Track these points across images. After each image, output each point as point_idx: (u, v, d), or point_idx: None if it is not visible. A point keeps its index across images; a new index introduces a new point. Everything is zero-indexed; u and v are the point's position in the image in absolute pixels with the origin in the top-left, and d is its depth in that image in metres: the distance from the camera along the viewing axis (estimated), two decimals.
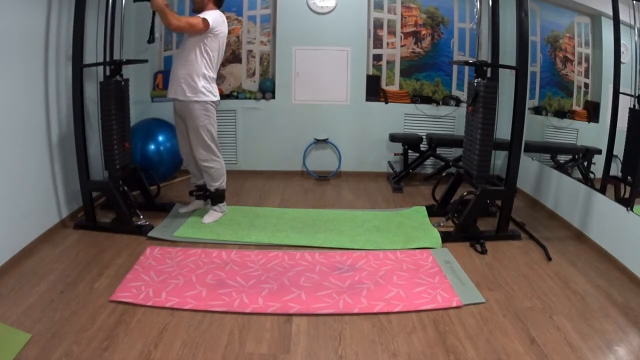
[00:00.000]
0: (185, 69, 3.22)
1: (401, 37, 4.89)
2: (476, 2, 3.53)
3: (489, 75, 3.36)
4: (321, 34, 4.74)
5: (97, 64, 3.34)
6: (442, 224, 3.50)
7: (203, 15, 3.14)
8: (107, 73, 3.36)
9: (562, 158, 4.01)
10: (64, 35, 3.30)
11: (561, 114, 3.95)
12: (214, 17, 3.16)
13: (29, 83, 2.97)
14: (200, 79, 3.21)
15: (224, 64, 4.92)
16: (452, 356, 2.04)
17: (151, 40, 3.32)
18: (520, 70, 3.08)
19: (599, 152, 3.32)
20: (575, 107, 3.77)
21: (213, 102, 3.30)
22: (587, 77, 3.62)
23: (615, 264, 2.91)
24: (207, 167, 3.38)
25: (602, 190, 3.18)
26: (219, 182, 3.46)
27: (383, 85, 4.95)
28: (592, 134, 3.59)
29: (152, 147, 4.19)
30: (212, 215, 3.50)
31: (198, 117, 3.25)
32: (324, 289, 2.57)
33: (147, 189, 3.72)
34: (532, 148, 4.23)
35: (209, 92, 3.26)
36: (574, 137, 3.89)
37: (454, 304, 2.43)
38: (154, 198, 3.78)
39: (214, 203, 3.52)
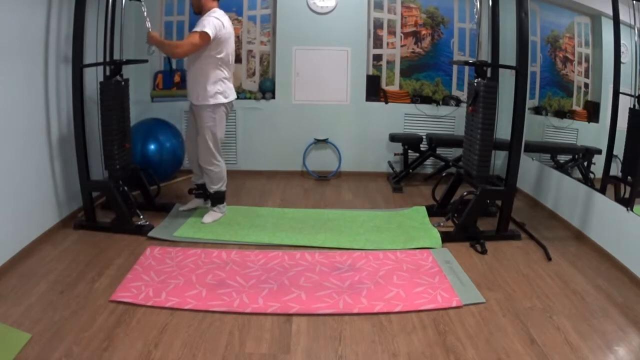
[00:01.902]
0: (195, 75, 3.26)
1: (401, 37, 4.89)
2: (476, 2, 3.53)
3: (489, 75, 3.36)
4: (321, 34, 4.74)
5: (97, 64, 3.34)
6: (442, 224, 3.50)
7: (200, 27, 3.07)
8: (107, 73, 3.36)
9: (562, 158, 4.01)
10: (64, 35, 3.30)
11: (561, 114, 3.95)
12: (213, 24, 3.10)
13: (29, 83, 2.97)
14: (210, 84, 3.22)
15: None
16: (452, 356, 2.04)
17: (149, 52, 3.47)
18: (520, 70, 3.08)
19: (599, 152, 3.32)
20: (575, 107, 3.77)
21: (223, 104, 3.30)
22: (587, 77, 3.62)
23: (615, 264, 2.91)
24: (207, 169, 3.39)
25: (602, 190, 3.18)
26: (219, 185, 3.46)
27: (383, 85, 4.95)
28: (592, 134, 3.59)
29: (152, 147, 4.19)
30: (212, 216, 3.51)
31: (204, 118, 3.27)
32: (324, 289, 2.57)
33: (147, 189, 3.72)
34: (532, 148, 4.23)
35: (220, 94, 3.26)
36: (574, 137, 3.89)
37: (454, 304, 2.43)
38: (154, 198, 3.78)
39: (214, 204, 3.52)
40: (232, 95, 3.37)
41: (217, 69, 3.22)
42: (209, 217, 3.49)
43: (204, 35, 3.06)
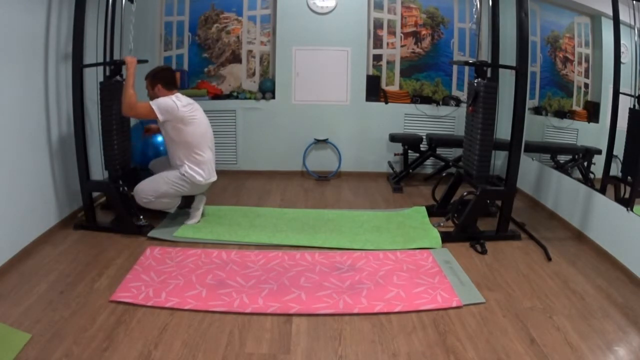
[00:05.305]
0: (169, 154, 3.34)
1: (401, 37, 4.89)
2: (476, 2, 3.53)
3: (489, 75, 3.36)
4: (321, 34, 4.75)
5: (97, 64, 3.34)
6: (442, 224, 3.50)
7: (155, 103, 3.12)
8: (107, 73, 3.36)
9: (562, 158, 4.01)
10: (64, 35, 3.30)
11: (561, 114, 3.95)
12: (165, 107, 3.11)
13: (29, 83, 2.97)
14: (178, 163, 3.25)
15: (223, 64, 4.93)
16: (452, 356, 2.04)
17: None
18: (520, 70, 3.08)
19: (599, 152, 3.32)
20: (575, 107, 3.77)
21: (192, 181, 3.24)
22: (587, 77, 3.62)
23: (615, 264, 2.91)
24: (140, 200, 3.25)
25: (602, 190, 3.18)
26: (172, 206, 3.39)
27: (383, 86, 4.96)
28: (592, 134, 3.59)
29: (152, 147, 4.18)
30: (193, 216, 3.48)
31: (172, 173, 3.25)
32: (324, 289, 2.57)
33: None
34: (532, 148, 4.23)
35: (189, 174, 3.22)
36: (574, 137, 3.89)
37: (454, 304, 2.43)
38: None
39: (188, 206, 3.50)
40: (203, 178, 3.27)
41: (184, 153, 3.22)
42: (191, 219, 3.46)
43: (154, 111, 3.09)
